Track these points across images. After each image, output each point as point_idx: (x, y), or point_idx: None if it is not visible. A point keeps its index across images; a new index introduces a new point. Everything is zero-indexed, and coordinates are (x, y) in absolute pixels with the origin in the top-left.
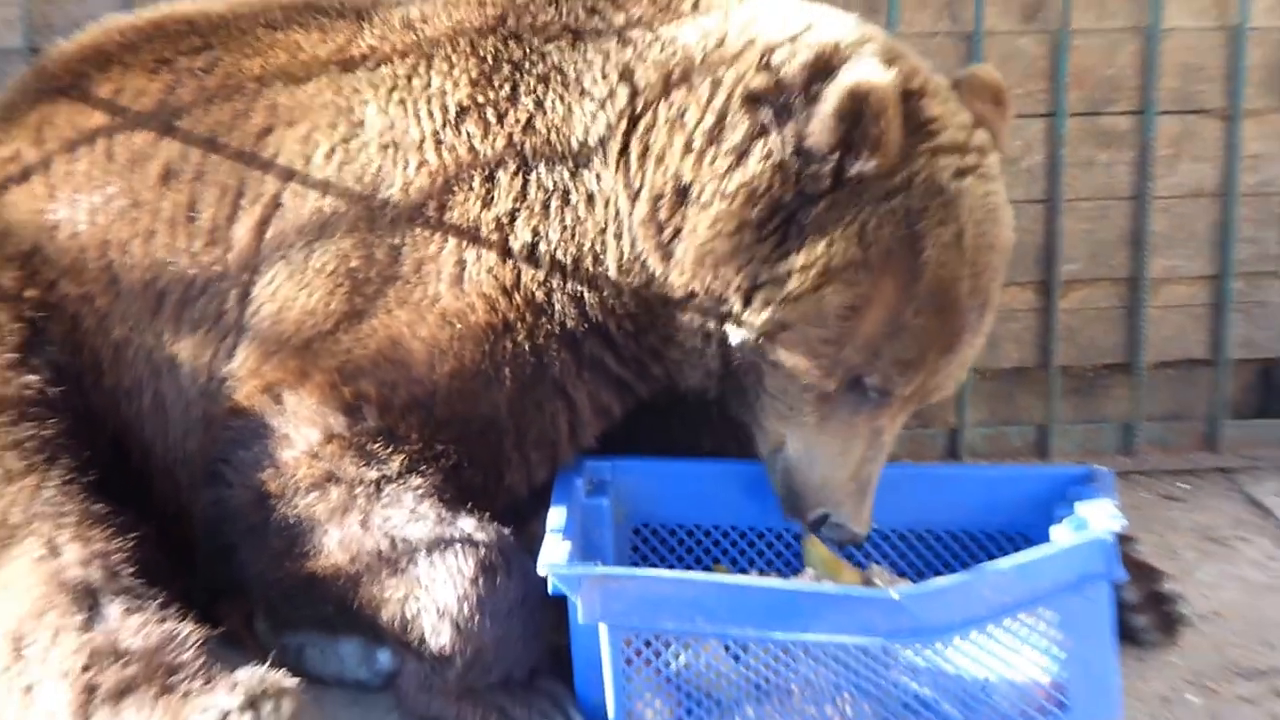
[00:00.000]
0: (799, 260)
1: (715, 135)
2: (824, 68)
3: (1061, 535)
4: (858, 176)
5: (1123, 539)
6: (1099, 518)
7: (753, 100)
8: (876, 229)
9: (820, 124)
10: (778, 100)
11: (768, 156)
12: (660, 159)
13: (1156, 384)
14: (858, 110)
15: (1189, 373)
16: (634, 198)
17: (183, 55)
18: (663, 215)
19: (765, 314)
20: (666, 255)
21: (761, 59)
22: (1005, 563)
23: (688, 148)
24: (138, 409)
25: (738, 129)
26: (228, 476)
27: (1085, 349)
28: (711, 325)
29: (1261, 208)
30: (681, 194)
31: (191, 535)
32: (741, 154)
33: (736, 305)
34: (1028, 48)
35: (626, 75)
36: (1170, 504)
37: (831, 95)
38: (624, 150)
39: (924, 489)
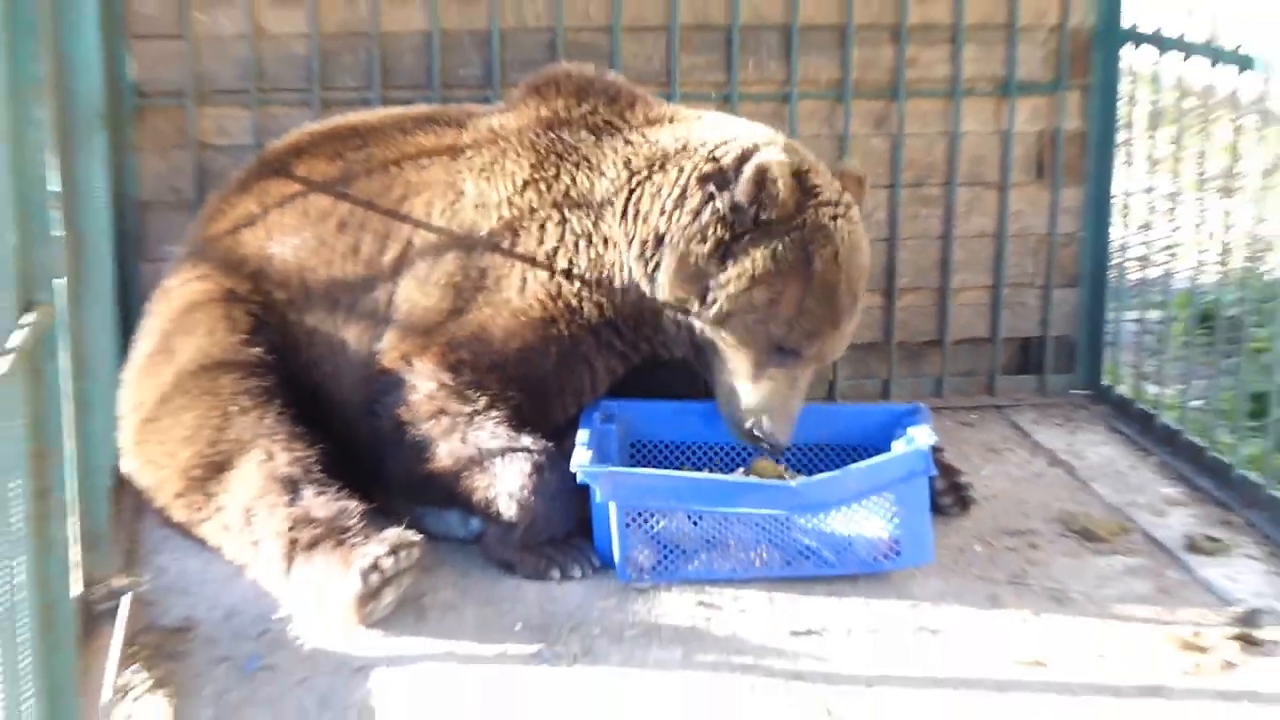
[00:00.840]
0: (734, 271)
1: (679, 202)
2: (746, 157)
3: (898, 448)
4: (768, 220)
5: (935, 450)
6: (921, 437)
7: (703, 179)
8: (783, 250)
9: (742, 187)
10: (719, 178)
11: (715, 213)
12: (645, 218)
13: (956, 354)
14: (762, 178)
15: (976, 347)
16: (630, 243)
17: (350, 149)
18: (647, 254)
19: (715, 308)
20: (651, 279)
21: (709, 154)
22: (863, 465)
23: (662, 210)
24: (323, 372)
25: (694, 197)
26: (378, 412)
27: (912, 331)
28: (681, 319)
29: (1021, 245)
30: (659, 240)
31: (355, 450)
32: (696, 213)
33: (696, 306)
34: (878, 145)
35: (627, 164)
36: (964, 428)
37: (748, 169)
38: (624, 212)
39: (815, 420)
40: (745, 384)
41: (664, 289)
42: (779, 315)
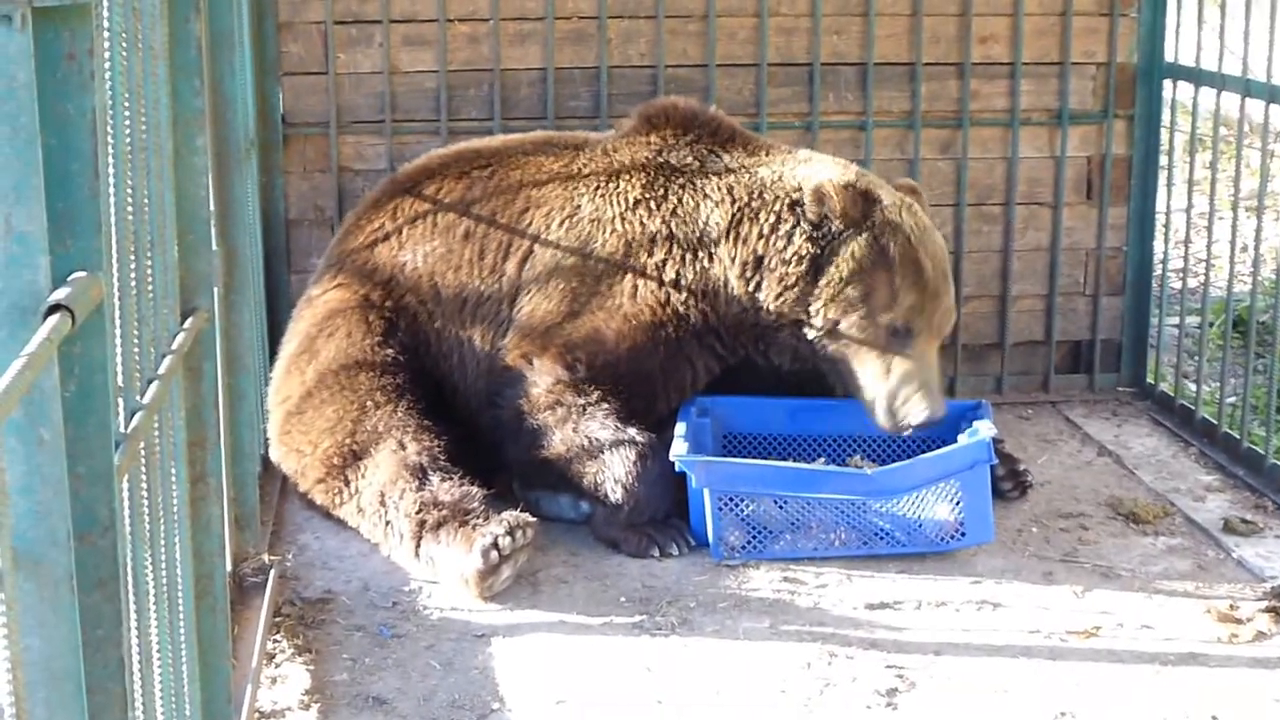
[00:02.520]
0: (824, 281)
1: (774, 227)
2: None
3: (962, 439)
4: (837, 230)
5: (996, 441)
6: (983, 429)
7: (791, 206)
8: (859, 249)
9: (807, 206)
10: (802, 204)
11: (802, 234)
12: (746, 241)
13: (1015, 355)
14: (819, 195)
15: (1033, 348)
16: (733, 263)
17: (475, 169)
18: (748, 274)
19: (820, 316)
20: (752, 298)
21: (796, 185)
22: (931, 454)
23: (760, 235)
24: (449, 366)
25: (786, 223)
26: (500, 403)
27: (975, 334)
28: (795, 332)
29: (1072, 257)
30: (758, 261)
31: (477, 436)
32: (788, 236)
33: (804, 319)
34: (944, 168)
35: (730, 191)
36: (1022, 422)
37: (807, 190)
38: (728, 234)
39: None
40: (878, 380)
41: (773, 307)
42: (877, 304)
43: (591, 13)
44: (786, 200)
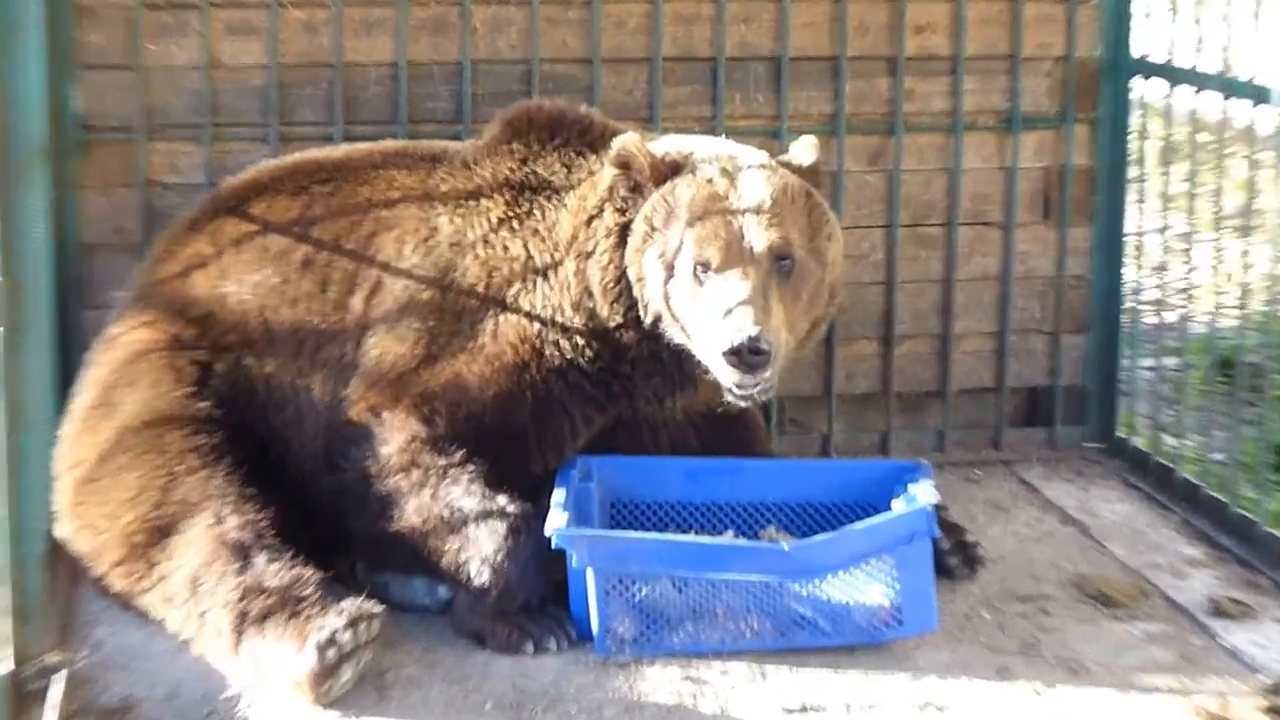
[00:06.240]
0: (631, 249)
1: (593, 215)
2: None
3: (898, 506)
4: (646, 192)
5: (938, 508)
6: (922, 494)
7: (610, 189)
8: (653, 212)
9: (611, 172)
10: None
11: (612, 207)
12: (578, 239)
13: (959, 405)
14: (623, 160)
15: (980, 397)
16: (572, 275)
17: (315, 184)
18: (584, 282)
19: (646, 292)
20: (591, 300)
21: None
22: (860, 525)
23: (585, 225)
24: (281, 420)
25: (601, 200)
26: (342, 465)
27: (911, 380)
28: (634, 323)
29: (1027, 288)
30: (586, 256)
31: (312, 506)
32: (600, 212)
33: (639, 303)
34: (873, 181)
35: (584, 199)
36: (969, 485)
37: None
38: (570, 246)
39: (808, 476)
40: (699, 324)
41: (605, 308)
42: (678, 251)
43: None
44: (606, 181)
